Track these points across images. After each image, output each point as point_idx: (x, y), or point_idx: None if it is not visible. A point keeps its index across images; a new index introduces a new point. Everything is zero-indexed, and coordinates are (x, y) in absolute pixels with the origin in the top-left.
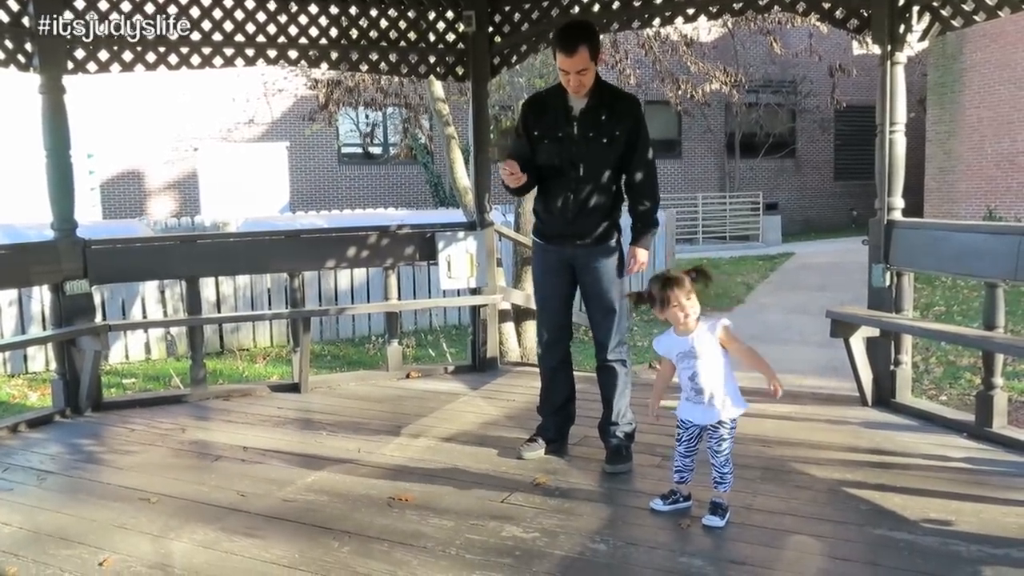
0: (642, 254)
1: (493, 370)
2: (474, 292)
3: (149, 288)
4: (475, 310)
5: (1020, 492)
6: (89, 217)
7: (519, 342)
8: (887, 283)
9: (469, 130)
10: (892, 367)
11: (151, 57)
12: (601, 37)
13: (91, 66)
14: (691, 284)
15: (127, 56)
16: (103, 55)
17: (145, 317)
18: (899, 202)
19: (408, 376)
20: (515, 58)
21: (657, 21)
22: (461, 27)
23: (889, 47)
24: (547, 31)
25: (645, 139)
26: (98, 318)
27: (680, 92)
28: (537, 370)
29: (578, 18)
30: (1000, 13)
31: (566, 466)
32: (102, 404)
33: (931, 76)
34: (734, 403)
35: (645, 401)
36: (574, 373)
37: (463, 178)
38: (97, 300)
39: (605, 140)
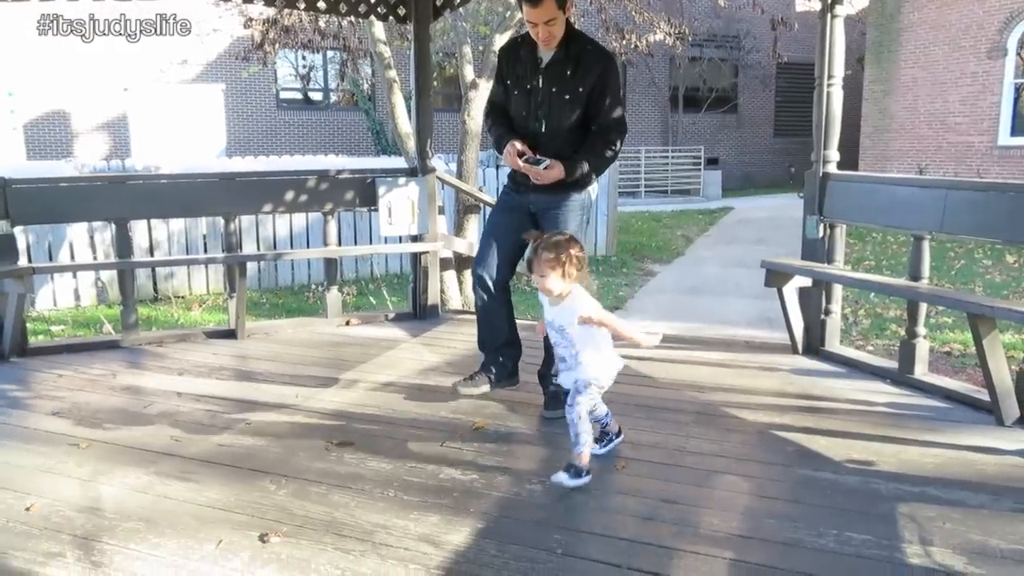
0: (556, 169)
1: (434, 318)
2: (415, 239)
3: (78, 232)
4: (416, 257)
5: (938, 434)
6: (11, 158)
7: (460, 290)
8: (820, 234)
9: (411, 74)
10: (823, 316)
11: None
12: None
13: None
14: (559, 263)
15: None
16: None
17: (73, 261)
18: (834, 155)
19: (347, 323)
20: (458, 0)
21: None
22: None
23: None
24: None
25: (613, 94)
26: (23, 261)
27: (625, 42)
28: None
29: None
30: None
31: (505, 411)
32: (28, 350)
33: (870, 35)
34: (581, 370)
35: None
36: (517, 321)
37: (404, 123)
38: (22, 244)
39: (568, 96)
